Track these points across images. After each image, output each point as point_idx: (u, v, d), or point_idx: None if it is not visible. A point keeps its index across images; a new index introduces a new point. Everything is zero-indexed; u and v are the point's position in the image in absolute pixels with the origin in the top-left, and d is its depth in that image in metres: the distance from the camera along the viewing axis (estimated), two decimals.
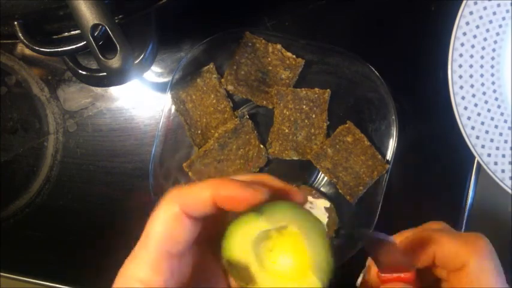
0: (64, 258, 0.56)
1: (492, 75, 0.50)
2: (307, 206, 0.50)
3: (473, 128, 0.49)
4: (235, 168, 0.52)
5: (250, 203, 0.27)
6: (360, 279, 0.36)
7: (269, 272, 0.28)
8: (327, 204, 0.51)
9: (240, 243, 0.28)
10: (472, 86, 0.49)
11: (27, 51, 0.55)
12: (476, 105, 0.49)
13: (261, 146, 0.52)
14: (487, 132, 0.50)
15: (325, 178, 0.52)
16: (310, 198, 0.51)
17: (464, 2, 0.48)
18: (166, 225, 0.28)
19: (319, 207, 0.51)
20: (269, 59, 0.52)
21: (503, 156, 0.50)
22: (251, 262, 0.28)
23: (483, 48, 0.49)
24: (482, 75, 0.50)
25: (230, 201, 0.27)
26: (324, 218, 0.51)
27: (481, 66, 0.49)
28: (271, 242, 0.28)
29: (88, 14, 0.35)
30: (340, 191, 0.51)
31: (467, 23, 0.48)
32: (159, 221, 0.28)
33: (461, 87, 0.49)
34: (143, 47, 0.43)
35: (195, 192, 0.28)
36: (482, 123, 0.50)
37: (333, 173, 0.51)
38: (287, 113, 0.51)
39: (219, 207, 0.27)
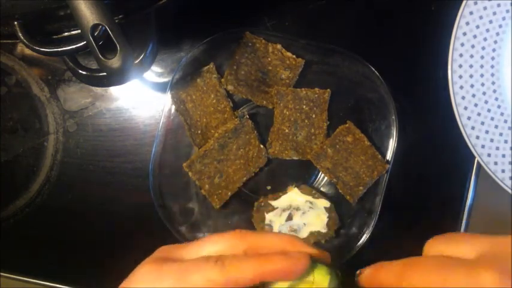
0: (64, 258, 0.56)
1: (492, 75, 0.50)
2: (307, 205, 0.50)
3: (473, 128, 0.49)
4: (235, 168, 0.52)
5: (297, 274, 0.29)
6: None
7: None
8: (327, 204, 0.51)
9: None
10: (472, 86, 0.49)
11: (27, 51, 0.55)
12: (476, 105, 0.49)
13: (261, 146, 0.52)
14: (487, 132, 0.50)
15: (325, 178, 0.52)
16: (310, 198, 0.51)
17: (464, 2, 0.48)
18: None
19: (319, 207, 0.51)
20: (269, 59, 0.52)
21: (503, 156, 0.50)
22: None
23: (483, 48, 0.49)
24: (482, 75, 0.50)
25: (276, 275, 0.29)
26: (324, 218, 0.51)
27: (481, 66, 0.49)
28: None
29: (88, 14, 0.35)
30: (340, 191, 0.51)
31: (467, 23, 0.48)
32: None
33: (461, 87, 0.49)
34: (143, 47, 0.43)
35: (239, 268, 0.29)
36: (482, 123, 0.50)
37: (333, 173, 0.51)
38: (287, 113, 0.51)
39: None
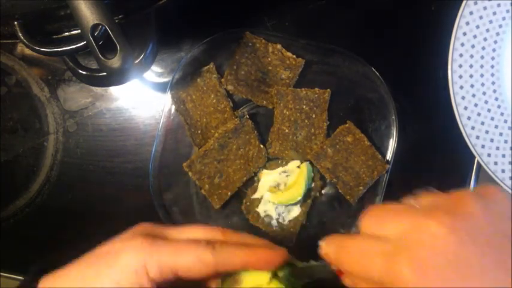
0: (64, 258, 0.56)
1: (492, 75, 0.50)
2: (284, 175, 0.50)
3: (473, 128, 0.49)
4: (235, 168, 0.52)
5: (276, 264, 0.34)
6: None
7: None
8: (297, 162, 0.51)
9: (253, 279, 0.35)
10: (472, 86, 0.49)
11: (27, 51, 0.55)
12: (476, 105, 0.49)
13: (261, 146, 0.52)
14: (487, 132, 0.50)
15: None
16: (280, 168, 0.51)
17: (464, 2, 0.48)
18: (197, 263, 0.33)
19: (293, 170, 0.51)
20: (269, 59, 0.52)
21: (503, 156, 0.50)
22: None
23: (483, 48, 0.49)
24: (482, 75, 0.50)
25: (259, 264, 0.34)
26: (304, 173, 0.50)
27: (481, 66, 0.49)
28: None
29: (88, 14, 0.35)
30: (340, 191, 0.51)
31: (467, 23, 0.48)
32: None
33: (461, 87, 0.49)
34: (143, 47, 0.43)
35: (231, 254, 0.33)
36: (482, 123, 0.50)
37: (333, 172, 0.51)
38: (287, 113, 0.51)
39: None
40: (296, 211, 0.51)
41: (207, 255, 0.32)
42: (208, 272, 0.33)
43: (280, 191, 0.51)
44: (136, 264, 0.32)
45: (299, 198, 0.50)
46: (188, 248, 0.33)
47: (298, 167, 0.51)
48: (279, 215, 0.51)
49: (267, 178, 0.51)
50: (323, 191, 0.52)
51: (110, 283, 0.32)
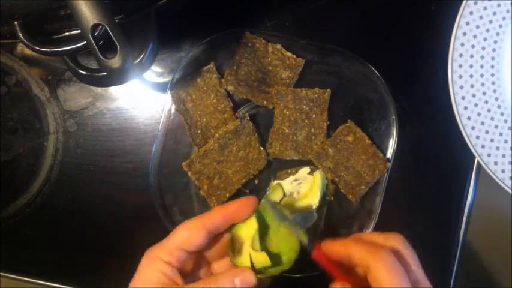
0: (64, 258, 0.56)
1: (492, 75, 0.50)
2: (296, 183, 0.50)
3: (473, 128, 0.49)
4: (234, 170, 0.52)
5: (249, 211, 0.43)
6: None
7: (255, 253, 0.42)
8: (307, 169, 0.51)
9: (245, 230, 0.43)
10: (472, 86, 0.49)
11: (27, 51, 0.55)
12: (476, 105, 0.49)
13: (261, 148, 0.52)
14: (487, 132, 0.50)
15: None
16: (291, 177, 0.51)
17: (464, 2, 0.48)
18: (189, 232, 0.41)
19: (305, 178, 0.51)
20: (269, 59, 0.52)
21: (503, 156, 0.50)
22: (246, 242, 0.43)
23: (483, 48, 0.49)
24: (482, 75, 0.50)
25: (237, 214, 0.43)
26: (318, 182, 0.50)
27: (481, 66, 0.49)
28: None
29: (88, 14, 0.35)
30: (342, 190, 0.51)
31: (468, 23, 0.48)
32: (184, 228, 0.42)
33: (461, 87, 0.49)
34: (143, 47, 0.43)
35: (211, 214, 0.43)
36: (482, 123, 0.50)
37: (334, 172, 0.51)
38: (287, 113, 0.51)
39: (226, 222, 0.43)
40: (313, 218, 0.51)
41: (195, 222, 0.41)
42: (205, 235, 0.41)
43: (295, 200, 0.50)
44: (155, 267, 0.40)
45: (314, 207, 0.48)
46: (180, 227, 0.42)
47: (309, 173, 0.51)
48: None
49: (279, 189, 0.51)
50: None
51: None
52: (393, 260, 0.38)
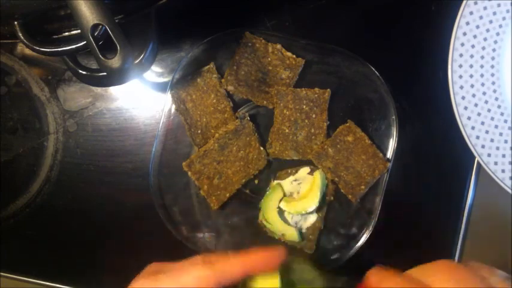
0: (64, 258, 0.56)
1: (492, 75, 0.50)
2: (296, 183, 0.50)
3: (473, 128, 0.49)
4: (234, 170, 0.52)
5: (274, 265, 0.35)
6: None
7: None
8: (307, 169, 0.51)
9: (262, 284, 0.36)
10: (472, 86, 0.49)
11: (27, 51, 0.55)
12: (476, 105, 0.49)
13: (261, 148, 0.52)
14: (487, 132, 0.50)
15: None
16: (292, 177, 0.51)
17: (464, 2, 0.48)
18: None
19: (305, 178, 0.51)
20: (269, 59, 0.52)
21: (503, 156, 0.50)
22: None
23: (483, 48, 0.49)
24: (482, 75, 0.50)
25: (260, 267, 0.35)
26: (318, 181, 0.50)
27: (481, 66, 0.49)
28: None
29: (88, 14, 0.35)
30: (342, 190, 0.51)
31: (468, 23, 0.48)
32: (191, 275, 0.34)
33: (461, 87, 0.49)
34: (143, 47, 0.43)
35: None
36: (482, 123, 0.50)
37: (334, 172, 0.51)
38: (287, 113, 0.51)
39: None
40: (313, 218, 0.51)
41: (205, 272, 0.33)
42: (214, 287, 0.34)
43: (295, 200, 0.51)
44: None
45: (315, 206, 0.50)
46: (186, 270, 0.34)
47: (309, 173, 0.51)
48: (295, 223, 0.51)
49: (279, 189, 0.51)
50: None
51: None
52: None
